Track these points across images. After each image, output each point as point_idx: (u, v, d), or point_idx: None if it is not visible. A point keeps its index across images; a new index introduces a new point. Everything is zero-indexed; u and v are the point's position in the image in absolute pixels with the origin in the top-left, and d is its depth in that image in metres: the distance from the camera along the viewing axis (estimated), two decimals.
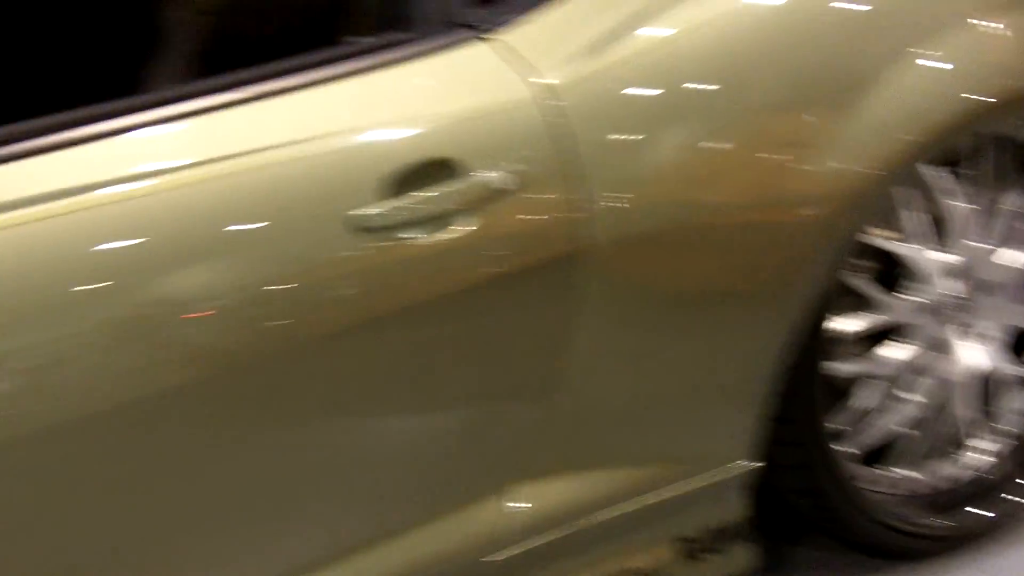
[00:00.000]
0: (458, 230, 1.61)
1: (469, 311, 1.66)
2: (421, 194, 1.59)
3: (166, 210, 1.49)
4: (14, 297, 1.41)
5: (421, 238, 1.59)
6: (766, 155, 1.86)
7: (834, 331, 2.08)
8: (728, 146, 1.83)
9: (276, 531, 1.66)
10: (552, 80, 1.70)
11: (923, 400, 2.20)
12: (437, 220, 1.60)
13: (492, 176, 1.63)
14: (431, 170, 1.60)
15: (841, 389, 2.16)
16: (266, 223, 1.53)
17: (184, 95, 1.60)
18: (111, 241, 1.46)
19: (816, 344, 2.05)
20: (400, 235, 1.57)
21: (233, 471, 1.59)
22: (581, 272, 1.71)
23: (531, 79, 1.69)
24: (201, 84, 1.62)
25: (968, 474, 2.30)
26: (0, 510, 1.46)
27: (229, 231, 1.51)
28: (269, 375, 1.56)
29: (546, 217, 1.68)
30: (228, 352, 1.52)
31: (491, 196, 1.63)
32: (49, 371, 1.43)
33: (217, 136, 1.56)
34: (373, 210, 1.56)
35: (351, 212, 1.55)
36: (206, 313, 1.50)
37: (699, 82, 1.82)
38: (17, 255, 1.42)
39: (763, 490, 2.11)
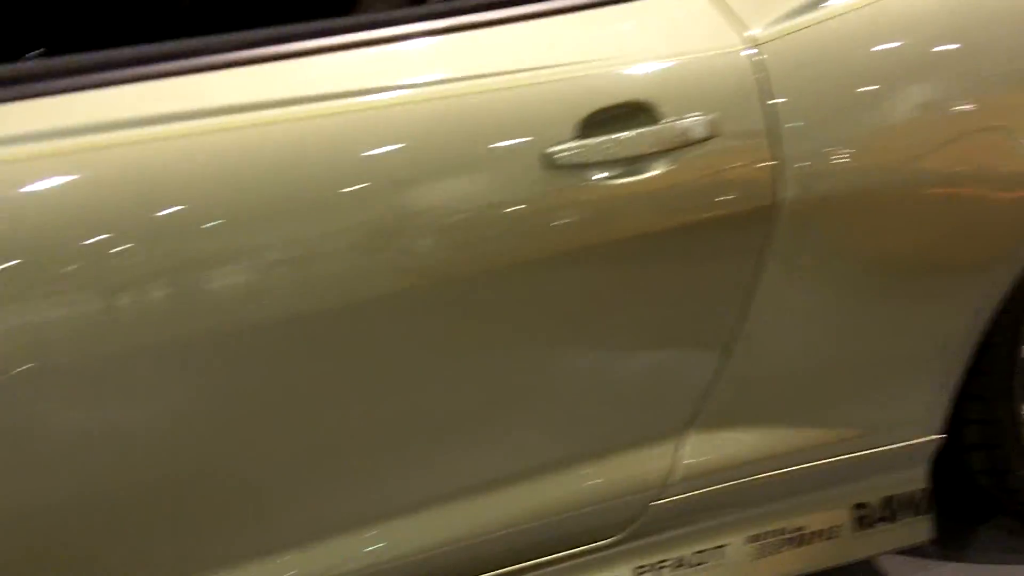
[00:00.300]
0: (652, 174, 1.61)
1: (655, 256, 1.66)
2: (619, 135, 1.59)
3: (395, 125, 1.53)
4: (282, 189, 1.47)
5: (614, 179, 1.59)
6: (993, 127, 1.81)
7: None
8: (950, 114, 1.79)
9: (455, 445, 1.70)
10: (761, 32, 1.68)
11: None
12: (632, 163, 1.60)
13: (691, 124, 1.62)
14: (631, 112, 1.60)
15: None
16: (474, 149, 1.56)
17: (424, 16, 1.64)
18: (368, 147, 1.52)
19: (1021, 325, 2.00)
20: (593, 175, 1.58)
21: (429, 383, 1.64)
22: (773, 228, 1.69)
23: (739, 30, 1.68)
24: (432, 8, 1.65)
25: None
26: (249, 388, 1.53)
27: (444, 151, 1.55)
28: (470, 295, 1.59)
29: (742, 170, 1.66)
30: (439, 267, 1.56)
31: (689, 144, 1.62)
32: (302, 264, 1.49)
33: (447, 59, 1.60)
34: (569, 147, 1.57)
35: (548, 149, 1.56)
36: (428, 227, 1.54)
37: (926, 44, 1.77)
38: (288, 150, 1.48)
39: (947, 465, 2.07)
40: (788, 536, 1.96)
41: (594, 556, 1.84)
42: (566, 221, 1.59)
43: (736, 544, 1.93)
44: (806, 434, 1.90)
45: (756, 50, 1.68)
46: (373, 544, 1.68)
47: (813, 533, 1.97)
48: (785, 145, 1.68)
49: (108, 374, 1.45)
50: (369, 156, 1.51)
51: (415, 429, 1.65)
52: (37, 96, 1.44)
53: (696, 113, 1.63)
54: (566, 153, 1.57)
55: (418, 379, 1.62)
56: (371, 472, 1.66)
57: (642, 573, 1.87)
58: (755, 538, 1.94)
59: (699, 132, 1.62)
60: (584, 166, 1.58)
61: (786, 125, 1.68)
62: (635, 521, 1.84)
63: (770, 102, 1.67)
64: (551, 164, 1.56)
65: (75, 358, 1.42)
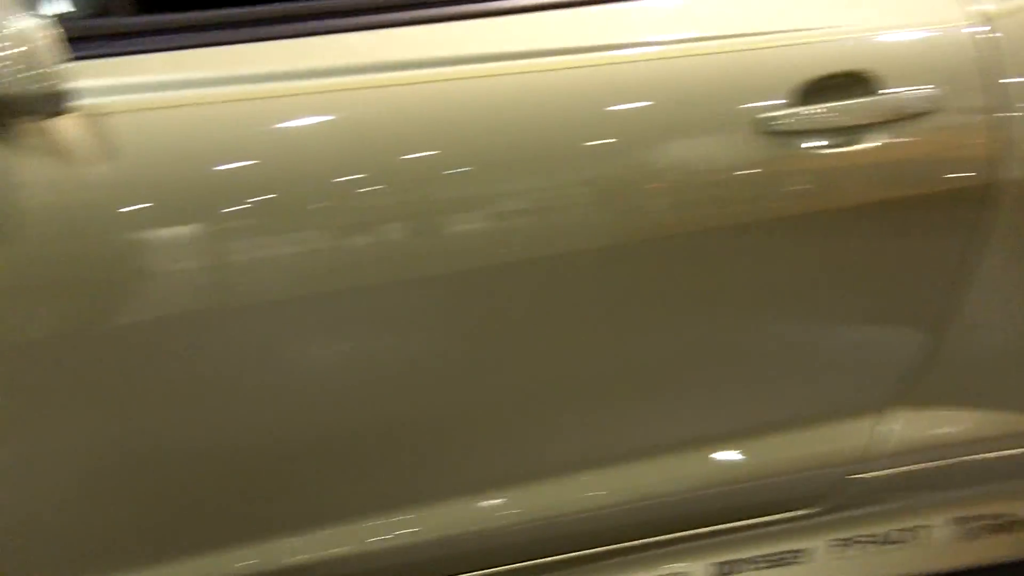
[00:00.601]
0: (867, 146, 1.61)
1: (865, 228, 1.65)
2: (834, 104, 1.60)
3: (635, 82, 1.58)
4: (525, 140, 1.53)
5: (827, 149, 1.60)
6: None
7: None
8: None
9: (660, 400, 1.73)
10: (989, 7, 1.65)
11: None
12: (846, 133, 1.60)
13: (912, 97, 1.61)
14: (847, 82, 1.60)
15: None
16: (698, 110, 1.58)
17: None
18: (609, 103, 1.56)
19: None
20: (805, 143, 1.59)
21: (640, 336, 1.67)
22: (991, 207, 1.67)
23: (966, 4, 1.65)
24: None
25: None
26: (477, 329, 1.60)
27: (673, 111, 1.58)
28: (687, 255, 1.62)
29: (962, 147, 1.64)
30: (661, 226, 1.59)
31: (906, 117, 1.61)
32: (538, 214, 1.54)
33: (684, 19, 1.64)
34: (783, 114, 1.58)
35: (764, 115, 1.58)
36: (654, 185, 1.57)
37: None
38: (533, 101, 1.54)
39: None
40: (994, 522, 1.93)
41: (790, 525, 1.85)
42: (777, 188, 1.61)
43: (938, 526, 1.91)
44: (1018, 419, 1.86)
45: (988, 27, 1.65)
46: (590, 491, 1.73)
47: (1021, 521, 1.94)
48: (1016, 125, 1.65)
49: (346, 310, 1.52)
50: (610, 112, 1.56)
51: (624, 380, 1.69)
52: (297, 36, 1.53)
53: (917, 86, 1.62)
54: (781, 120, 1.58)
55: (630, 332, 1.66)
56: (585, 418, 1.70)
57: (838, 546, 1.87)
58: (959, 521, 1.91)
59: (919, 106, 1.61)
60: (798, 134, 1.59)
61: (1008, 103, 1.65)
62: (833, 494, 1.84)
63: (1002, 80, 1.64)
64: (766, 130, 1.58)
65: (316, 292, 1.50)
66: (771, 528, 1.84)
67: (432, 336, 1.59)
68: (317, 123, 1.49)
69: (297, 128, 1.48)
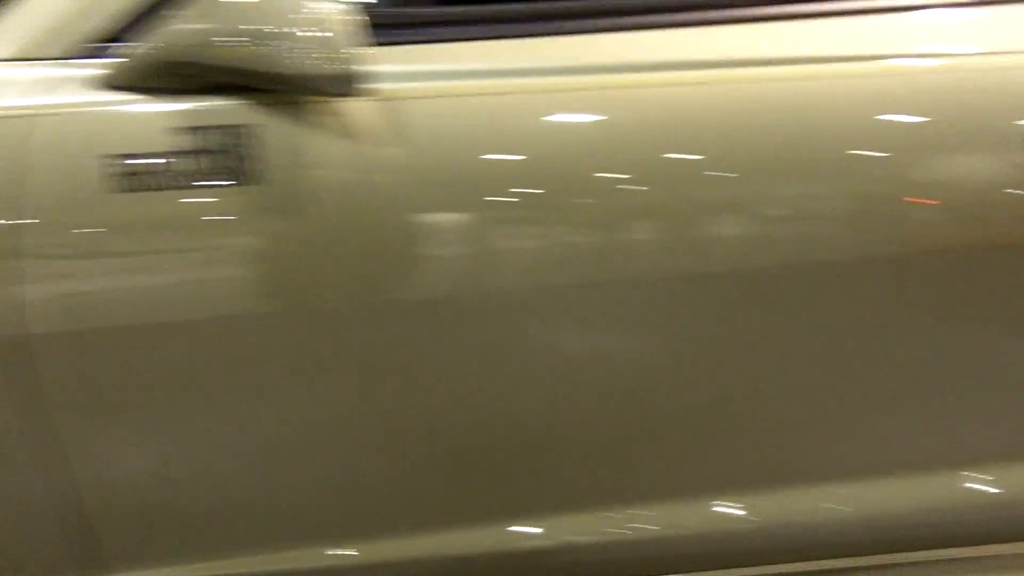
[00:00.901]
0: None
1: None
2: None
3: (905, 93, 1.56)
4: (788, 147, 1.53)
5: None
6: None
7: None
8: None
9: (900, 425, 1.70)
10: None
11: None
12: None
13: None
14: None
15: None
16: (965, 124, 1.56)
17: None
18: (887, 112, 1.56)
19: None
20: None
21: (885, 356, 1.64)
22: None
23: None
24: None
25: None
26: (725, 329, 1.61)
27: (940, 124, 1.56)
28: (949, 271, 1.59)
29: None
30: (919, 240, 1.57)
31: None
32: (795, 222, 1.54)
33: (959, 32, 1.63)
34: None
35: None
36: (919, 200, 1.56)
37: None
38: (804, 108, 1.54)
39: None
40: None
41: None
42: None
43: None
44: None
45: None
46: (834, 502, 1.71)
47: None
48: None
49: (599, 302, 1.55)
50: (880, 122, 1.54)
51: (876, 393, 1.67)
52: (579, 33, 1.58)
53: None
54: None
55: (884, 344, 1.64)
56: (833, 428, 1.69)
57: None
58: None
59: None
60: None
61: None
62: None
63: None
64: None
65: (570, 283, 1.53)
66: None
67: (683, 334, 1.60)
68: (588, 120, 1.52)
69: (568, 123, 1.52)
